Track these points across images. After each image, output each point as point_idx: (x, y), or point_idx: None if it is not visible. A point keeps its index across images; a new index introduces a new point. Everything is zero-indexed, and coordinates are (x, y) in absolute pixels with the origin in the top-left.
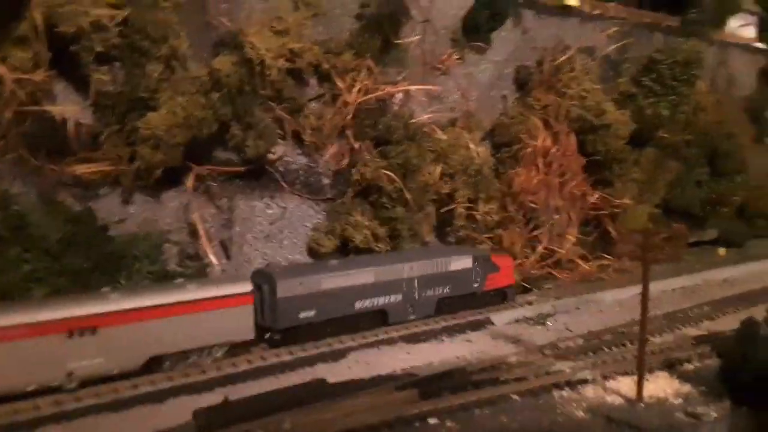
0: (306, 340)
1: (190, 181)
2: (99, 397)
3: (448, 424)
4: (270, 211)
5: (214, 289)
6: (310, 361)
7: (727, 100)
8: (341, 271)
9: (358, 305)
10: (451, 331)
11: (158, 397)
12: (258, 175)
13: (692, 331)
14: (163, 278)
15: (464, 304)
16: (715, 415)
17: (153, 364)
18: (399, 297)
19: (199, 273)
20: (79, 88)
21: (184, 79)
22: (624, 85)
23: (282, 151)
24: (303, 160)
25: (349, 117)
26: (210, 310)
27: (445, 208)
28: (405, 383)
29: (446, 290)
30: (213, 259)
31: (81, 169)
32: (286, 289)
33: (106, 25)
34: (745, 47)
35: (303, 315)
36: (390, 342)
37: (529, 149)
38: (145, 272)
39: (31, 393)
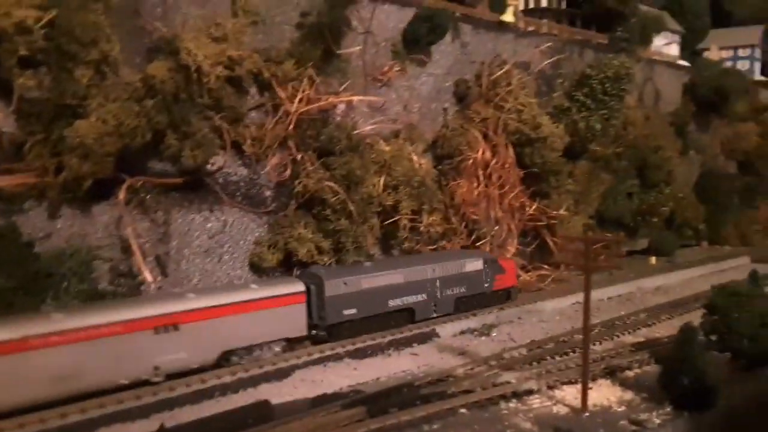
0: (348, 336)
1: (122, 194)
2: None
3: None
4: (209, 225)
5: (273, 289)
6: (253, 382)
7: (655, 114)
8: (376, 272)
9: (391, 303)
10: (398, 344)
11: (88, 426)
12: (196, 187)
13: (630, 339)
14: (93, 298)
15: (477, 302)
16: (657, 421)
17: (224, 359)
18: (424, 296)
19: (133, 291)
20: (1, 94)
21: (115, 85)
22: (558, 99)
23: (221, 162)
24: (244, 171)
25: (291, 127)
26: (271, 308)
27: (389, 220)
28: (352, 401)
29: (462, 290)
30: (148, 276)
31: (3, 182)
32: (332, 288)
33: (31, 27)
34: (670, 64)
35: (346, 312)
36: (336, 358)
37: (470, 161)
38: (74, 291)
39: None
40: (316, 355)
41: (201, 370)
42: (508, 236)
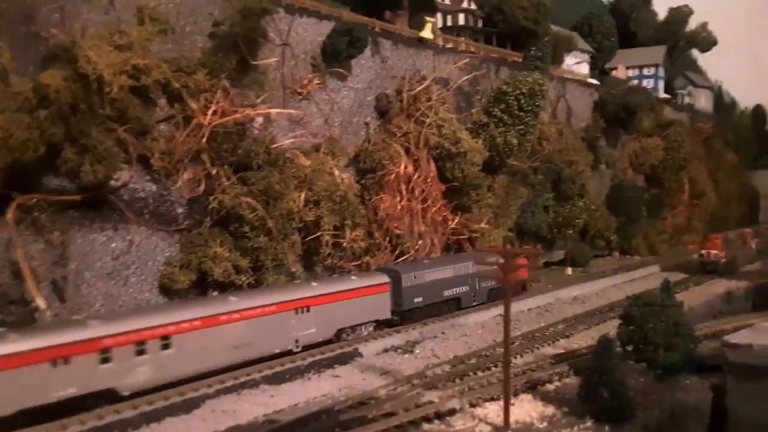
0: (416, 320)
1: (11, 213)
2: None
3: None
4: (113, 245)
5: (369, 280)
6: (157, 416)
7: (568, 130)
8: (434, 268)
9: (445, 293)
10: (319, 366)
11: None
12: (98, 204)
13: (550, 351)
14: None
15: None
16: None
17: (338, 335)
18: (467, 288)
19: (26, 320)
20: None
21: (4, 94)
22: (477, 115)
23: (127, 177)
24: (152, 187)
25: (205, 140)
26: (369, 295)
27: (311, 237)
28: None
29: (492, 283)
30: (41, 303)
31: None
32: (407, 281)
33: None
34: (581, 82)
35: (416, 300)
36: (252, 385)
37: (393, 175)
38: None
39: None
40: (230, 383)
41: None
42: (432, 250)
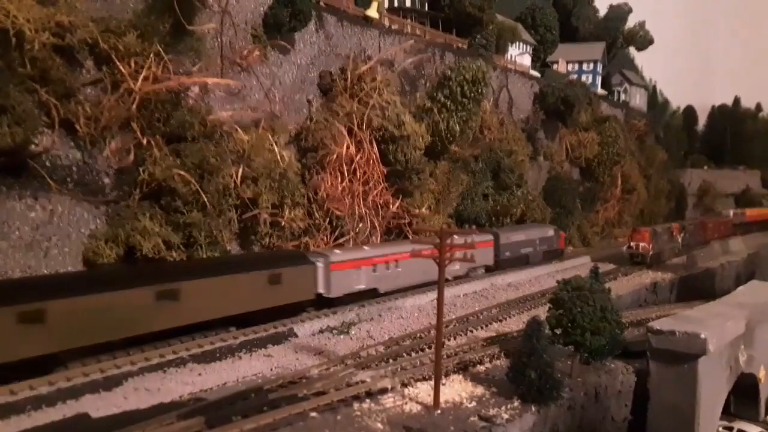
0: (507, 268)
1: None
2: None
3: None
4: (32, 215)
5: (483, 237)
6: (75, 393)
7: (509, 120)
8: (517, 232)
9: (522, 251)
10: (250, 345)
11: None
12: (16, 170)
13: (483, 334)
14: None
15: (551, 256)
16: (506, 416)
17: (468, 273)
18: (532, 249)
19: None
20: None
21: None
22: (420, 99)
23: (48, 143)
24: (77, 154)
25: (134, 107)
26: (484, 247)
27: (249, 214)
28: (190, 410)
29: (545, 247)
30: None
31: None
32: (503, 239)
33: None
34: (523, 74)
35: (506, 254)
36: (179, 363)
37: (334, 155)
38: None
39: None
40: (155, 360)
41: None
42: (372, 233)
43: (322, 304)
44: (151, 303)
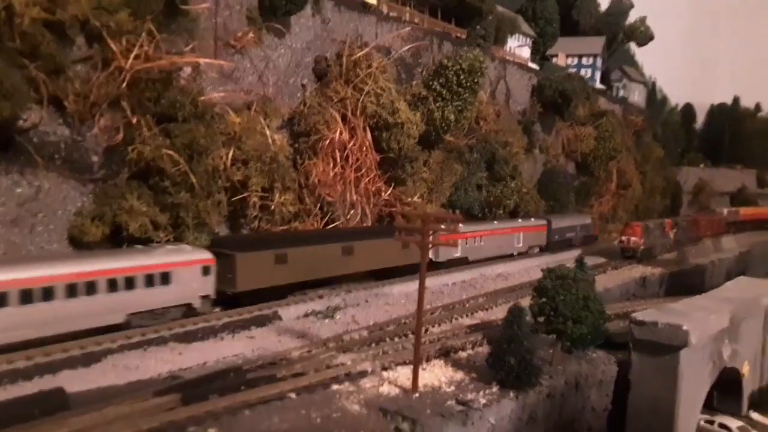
0: (556, 250)
1: None
2: None
3: (210, 430)
4: (19, 190)
5: (538, 222)
6: (53, 368)
7: (505, 112)
8: (563, 218)
9: (567, 235)
10: (234, 327)
11: None
12: (3, 146)
13: (468, 321)
14: None
15: (587, 241)
16: (483, 401)
17: (527, 250)
18: (575, 233)
19: None
20: None
21: None
22: (416, 87)
23: (36, 119)
24: (65, 131)
25: (124, 85)
26: (534, 231)
27: (238, 197)
28: (166, 388)
29: (584, 233)
30: None
31: None
32: (555, 224)
33: None
34: (521, 66)
35: (556, 237)
36: (159, 342)
37: (327, 141)
38: None
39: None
40: (135, 339)
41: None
42: (363, 220)
43: (434, 266)
44: (339, 254)
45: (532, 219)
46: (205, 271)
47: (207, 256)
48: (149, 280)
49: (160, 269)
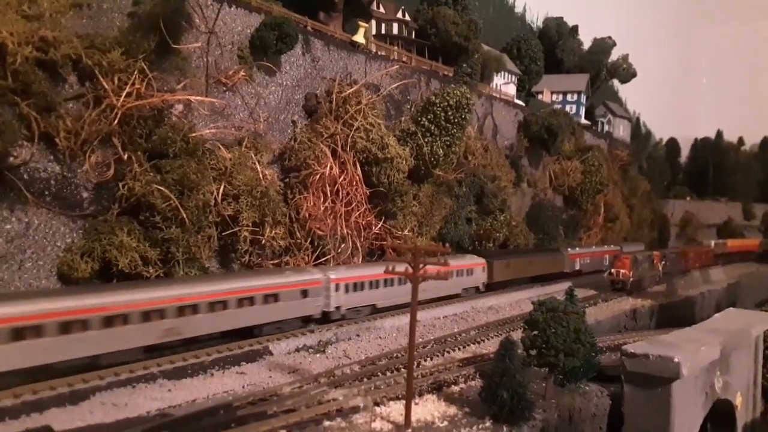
0: (577, 275)
1: None
2: None
3: None
4: (8, 227)
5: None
6: (40, 407)
7: (493, 147)
8: (585, 250)
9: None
10: (224, 363)
11: None
12: None
13: (460, 354)
14: None
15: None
16: None
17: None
18: (600, 264)
19: None
20: None
21: None
22: (405, 123)
23: (27, 155)
24: (56, 167)
25: (116, 122)
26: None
27: (228, 231)
28: (155, 426)
29: (606, 263)
30: None
31: None
32: (572, 255)
33: None
34: (507, 102)
35: (577, 266)
36: (149, 379)
37: (317, 176)
38: None
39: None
40: (124, 376)
41: None
42: (355, 254)
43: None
44: (537, 261)
45: (552, 248)
46: (484, 269)
47: (484, 261)
48: (469, 272)
49: (468, 267)
